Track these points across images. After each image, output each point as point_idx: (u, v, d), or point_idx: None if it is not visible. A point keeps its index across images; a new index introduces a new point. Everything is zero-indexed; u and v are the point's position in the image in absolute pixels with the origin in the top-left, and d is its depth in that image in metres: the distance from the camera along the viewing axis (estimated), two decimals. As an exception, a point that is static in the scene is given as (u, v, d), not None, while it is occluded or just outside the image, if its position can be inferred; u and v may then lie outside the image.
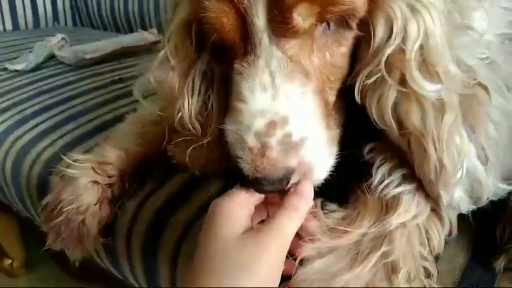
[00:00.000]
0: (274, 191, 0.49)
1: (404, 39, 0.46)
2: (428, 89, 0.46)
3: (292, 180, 0.48)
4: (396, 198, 0.51)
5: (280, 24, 0.45)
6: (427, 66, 0.46)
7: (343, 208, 0.53)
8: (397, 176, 0.52)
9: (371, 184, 0.52)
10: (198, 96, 0.59)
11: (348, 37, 0.49)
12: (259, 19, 0.45)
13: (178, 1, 0.56)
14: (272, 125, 0.46)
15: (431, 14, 0.45)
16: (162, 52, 0.59)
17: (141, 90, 0.70)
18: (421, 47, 0.45)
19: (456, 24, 0.47)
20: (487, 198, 0.51)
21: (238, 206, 0.49)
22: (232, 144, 0.48)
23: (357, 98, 0.49)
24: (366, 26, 0.48)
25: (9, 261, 1.49)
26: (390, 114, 0.48)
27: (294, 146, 0.47)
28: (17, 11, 1.95)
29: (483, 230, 0.59)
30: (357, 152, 0.54)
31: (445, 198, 0.50)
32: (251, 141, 0.46)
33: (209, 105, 0.60)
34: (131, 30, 1.85)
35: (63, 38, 1.43)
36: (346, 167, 0.53)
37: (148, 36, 1.49)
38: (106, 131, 0.90)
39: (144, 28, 1.72)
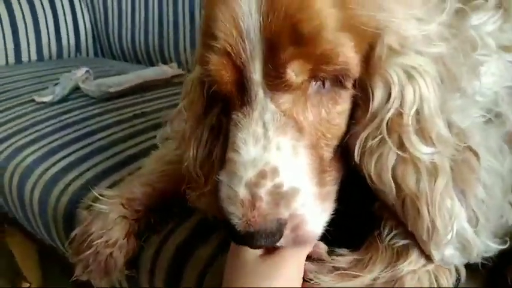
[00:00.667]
0: (268, 245, 0.50)
1: (401, 104, 0.48)
2: (424, 151, 0.48)
3: (285, 234, 0.49)
4: (406, 248, 0.53)
5: (275, 79, 0.47)
6: (422, 131, 0.48)
7: (354, 253, 0.55)
8: (402, 229, 0.54)
9: (381, 233, 0.55)
10: (205, 147, 0.63)
11: (344, 96, 0.51)
12: (256, 73, 0.48)
13: (197, 60, 0.60)
14: (262, 174, 0.47)
15: (426, 81, 0.48)
16: (179, 106, 0.66)
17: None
18: (417, 112, 0.48)
19: (449, 89, 0.50)
20: (477, 255, 0.54)
21: None
22: (224, 199, 0.49)
23: (356, 158, 0.51)
24: (363, 86, 0.49)
25: (27, 284, 1.53)
26: (390, 176, 0.50)
27: (285, 196, 0.48)
28: (42, 41, 2.04)
29: (494, 276, 0.61)
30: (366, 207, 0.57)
31: (436, 256, 0.52)
32: (242, 193, 0.47)
33: (213, 156, 0.63)
34: (151, 62, 1.92)
35: (87, 71, 1.49)
36: (356, 215, 0.56)
37: (168, 70, 1.55)
38: (130, 166, 0.95)
39: (164, 61, 1.79)
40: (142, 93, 1.42)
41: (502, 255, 0.57)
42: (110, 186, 0.87)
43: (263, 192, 0.47)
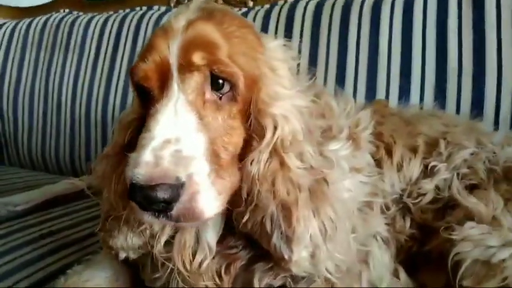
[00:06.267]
0: (166, 201, 0.56)
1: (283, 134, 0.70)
2: (298, 166, 0.69)
3: (181, 200, 0.57)
4: None
5: (185, 66, 0.63)
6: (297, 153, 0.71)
7: None
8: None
9: None
10: (124, 183, 0.69)
11: (236, 114, 0.67)
12: (174, 71, 0.63)
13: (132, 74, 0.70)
14: (166, 142, 0.58)
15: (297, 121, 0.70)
16: (103, 152, 0.76)
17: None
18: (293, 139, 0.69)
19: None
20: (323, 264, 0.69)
21: None
22: (129, 168, 0.58)
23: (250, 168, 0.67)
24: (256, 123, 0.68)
25: None
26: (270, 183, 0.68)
27: (184, 159, 0.58)
28: None
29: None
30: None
31: (295, 255, 0.66)
32: (147, 156, 0.57)
33: None
34: (61, 171, 1.92)
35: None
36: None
37: (79, 183, 1.55)
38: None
39: (75, 172, 1.80)
40: (51, 208, 1.40)
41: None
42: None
43: (165, 154, 0.57)
